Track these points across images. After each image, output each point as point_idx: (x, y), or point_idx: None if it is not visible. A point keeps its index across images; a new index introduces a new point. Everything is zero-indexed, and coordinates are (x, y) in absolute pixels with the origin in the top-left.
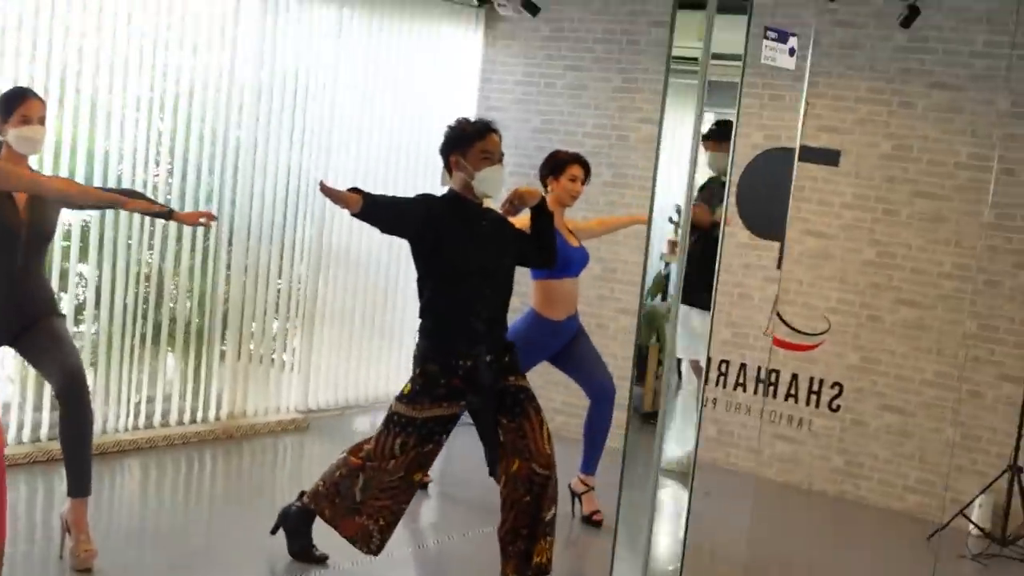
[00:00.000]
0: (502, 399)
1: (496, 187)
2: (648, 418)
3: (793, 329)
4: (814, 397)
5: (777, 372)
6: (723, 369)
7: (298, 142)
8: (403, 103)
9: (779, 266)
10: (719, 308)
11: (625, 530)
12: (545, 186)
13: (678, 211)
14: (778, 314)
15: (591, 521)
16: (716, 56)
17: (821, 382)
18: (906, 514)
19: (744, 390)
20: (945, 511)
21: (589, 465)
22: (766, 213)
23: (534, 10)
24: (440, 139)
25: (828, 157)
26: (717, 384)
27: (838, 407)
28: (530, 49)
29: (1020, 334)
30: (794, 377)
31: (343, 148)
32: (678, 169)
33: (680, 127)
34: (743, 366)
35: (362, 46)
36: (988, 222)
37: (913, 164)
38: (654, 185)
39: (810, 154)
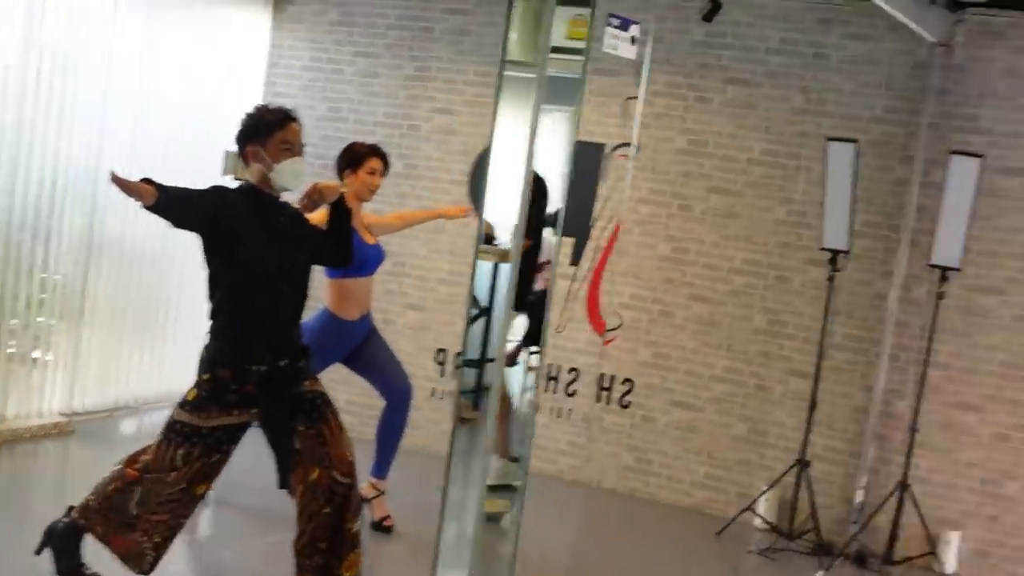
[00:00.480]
0: (297, 405)
1: (297, 180)
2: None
3: (609, 329)
4: (605, 394)
5: (575, 369)
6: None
7: (67, 125)
8: (184, 87)
9: (574, 262)
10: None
11: (449, 537)
12: (341, 179)
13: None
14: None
15: (381, 527)
16: (555, 49)
17: (612, 378)
18: (694, 510)
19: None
20: (733, 506)
21: (381, 468)
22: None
23: None
24: (225, 126)
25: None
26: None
27: (629, 403)
28: (318, 34)
29: (808, 329)
30: (584, 374)
31: (117, 133)
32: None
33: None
34: None
35: (140, 26)
36: (779, 218)
37: (708, 159)
38: (483, 183)
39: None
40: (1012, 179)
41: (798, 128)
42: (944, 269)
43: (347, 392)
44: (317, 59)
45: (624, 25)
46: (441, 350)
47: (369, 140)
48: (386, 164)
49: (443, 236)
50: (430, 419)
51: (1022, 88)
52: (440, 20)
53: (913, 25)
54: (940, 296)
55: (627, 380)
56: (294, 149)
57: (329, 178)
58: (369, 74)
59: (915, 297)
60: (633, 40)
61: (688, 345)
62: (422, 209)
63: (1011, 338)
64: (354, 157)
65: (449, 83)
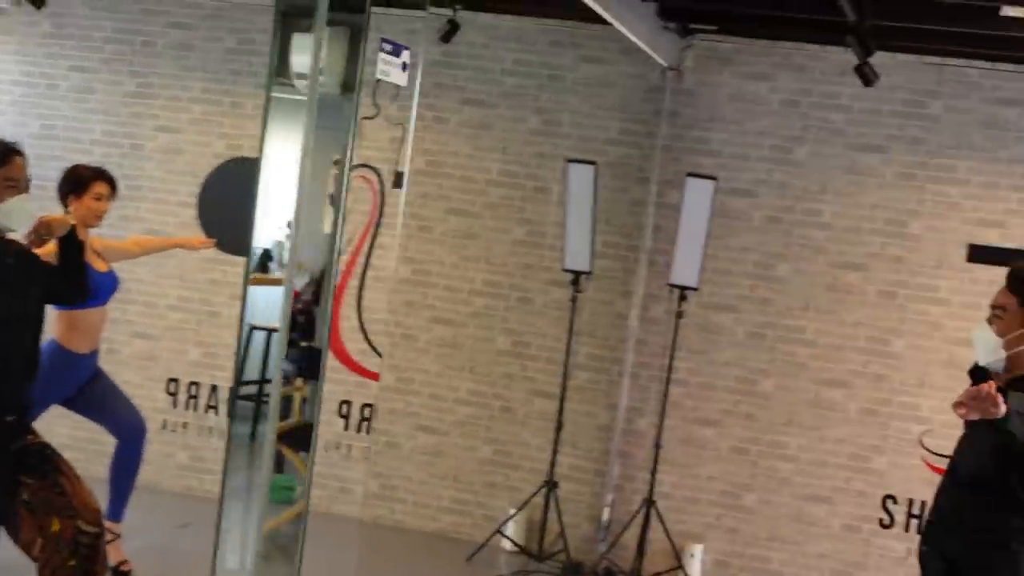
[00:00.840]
0: (22, 460)
1: (24, 220)
2: None
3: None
4: (343, 420)
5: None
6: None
7: None
8: None
9: None
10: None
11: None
12: (65, 205)
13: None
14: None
15: (118, 572)
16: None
17: (350, 404)
18: (442, 535)
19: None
20: (481, 530)
21: (116, 510)
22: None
23: (39, 2)
24: None
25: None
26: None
27: (371, 429)
28: (29, 46)
29: (552, 350)
30: (325, 400)
31: None
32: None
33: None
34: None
35: None
36: (520, 239)
37: (446, 180)
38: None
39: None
40: (741, 200)
41: (535, 149)
42: (682, 288)
43: (70, 427)
44: (28, 73)
45: (396, 51)
46: (173, 380)
47: (86, 159)
48: (113, 188)
49: (172, 261)
50: (161, 452)
51: (748, 112)
52: (162, 34)
53: (646, 48)
54: (679, 315)
55: (368, 405)
56: (19, 186)
57: (45, 202)
58: (85, 90)
59: (654, 316)
60: (404, 66)
61: (431, 368)
62: (160, 237)
63: (744, 354)
64: (78, 181)
65: (173, 100)
